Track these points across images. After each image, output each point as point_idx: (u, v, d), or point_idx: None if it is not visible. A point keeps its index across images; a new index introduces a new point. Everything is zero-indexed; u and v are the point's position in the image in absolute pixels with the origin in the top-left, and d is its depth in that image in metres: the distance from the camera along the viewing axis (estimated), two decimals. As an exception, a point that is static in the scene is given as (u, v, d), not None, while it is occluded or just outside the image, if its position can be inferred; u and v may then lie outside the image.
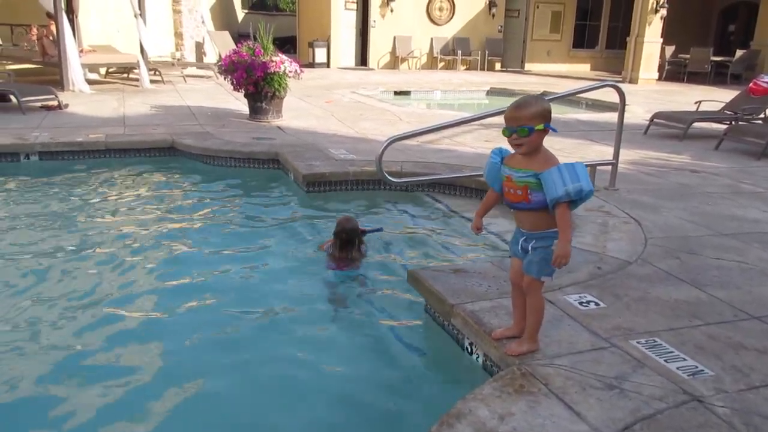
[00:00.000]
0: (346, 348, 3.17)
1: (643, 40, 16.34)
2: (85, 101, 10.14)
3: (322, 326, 3.43)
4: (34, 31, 12.16)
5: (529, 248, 2.51)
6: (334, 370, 2.97)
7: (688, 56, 17.84)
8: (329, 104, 10.95)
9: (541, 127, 2.42)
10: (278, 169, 6.52)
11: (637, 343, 2.75)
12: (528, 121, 2.41)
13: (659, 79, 17.17)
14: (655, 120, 8.72)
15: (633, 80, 16.52)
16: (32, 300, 3.66)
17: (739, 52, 17.70)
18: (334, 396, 2.77)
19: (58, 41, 11.05)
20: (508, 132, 2.45)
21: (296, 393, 2.80)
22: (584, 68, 21.94)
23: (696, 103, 9.17)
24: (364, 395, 2.76)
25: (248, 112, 8.94)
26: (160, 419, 2.62)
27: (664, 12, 16.15)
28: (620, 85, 5.70)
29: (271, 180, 6.30)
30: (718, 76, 17.52)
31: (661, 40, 16.70)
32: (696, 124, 8.48)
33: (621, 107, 5.38)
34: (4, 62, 12.40)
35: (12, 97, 9.11)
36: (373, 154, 5.30)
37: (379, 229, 4.62)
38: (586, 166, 5.62)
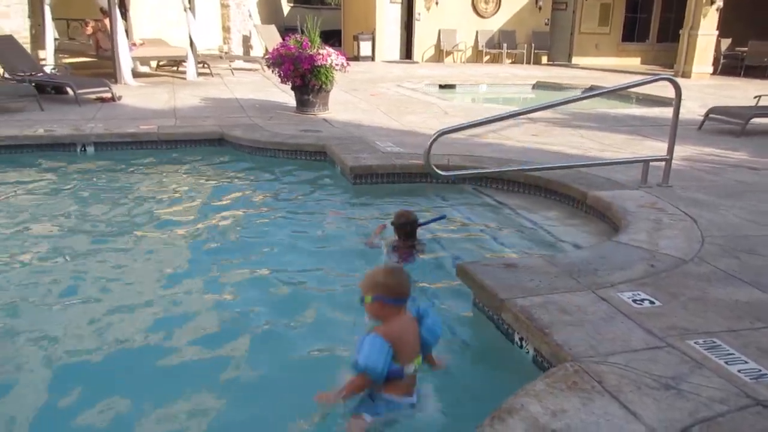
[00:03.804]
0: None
1: (698, 32, 15.81)
2: (137, 93, 10.42)
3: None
4: (90, 25, 12.53)
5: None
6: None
7: (745, 49, 17.18)
8: (375, 97, 10.96)
9: (368, 299, 2.39)
10: (325, 161, 6.58)
11: (695, 343, 2.67)
12: (362, 289, 2.43)
13: (714, 73, 16.61)
14: (710, 115, 8.43)
15: (686, 74, 16.01)
16: (88, 282, 3.80)
17: (800, 45, 16.98)
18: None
19: (111, 35, 11.38)
20: None
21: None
22: (634, 62, 21.38)
23: (755, 97, 8.82)
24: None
25: (295, 105, 9.04)
26: (206, 401, 2.69)
27: (720, 3, 15.59)
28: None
29: (318, 172, 6.35)
30: (778, 70, 16.85)
31: (717, 32, 16.14)
32: (755, 120, 8.16)
33: (677, 101, 5.22)
34: (61, 56, 12.82)
35: (69, 90, 9.43)
36: (420, 147, 5.28)
37: (442, 217, 4.60)
38: (640, 161, 5.49)
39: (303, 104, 8.84)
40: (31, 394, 2.74)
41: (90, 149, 6.95)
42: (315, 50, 8.38)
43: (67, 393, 2.73)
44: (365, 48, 19.38)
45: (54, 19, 12.02)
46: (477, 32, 20.36)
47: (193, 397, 2.72)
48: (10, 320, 3.35)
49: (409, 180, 5.83)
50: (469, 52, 20.58)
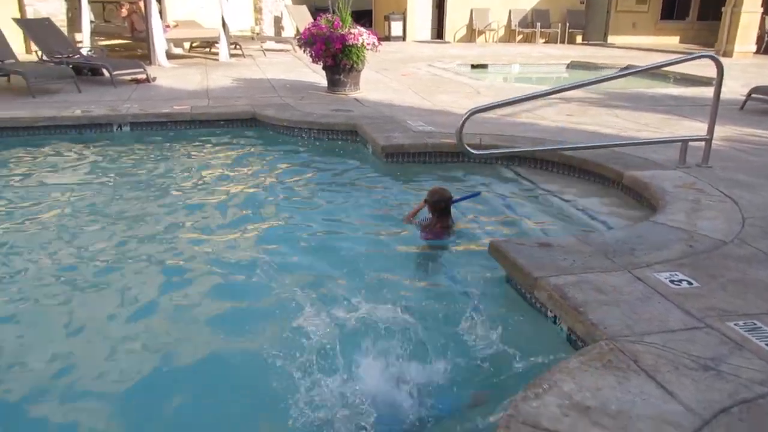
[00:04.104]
0: (427, 316, 3.15)
1: (741, 9, 15.26)
2: (170, 75, 10.53)
3: (404, 293, 3.43)
4: (124, 7, 12.68)
5: None
6: (415, 337, 2.96)
7: (791, 27, 16.57)
8: (406, 77, 10.89)
9: None
10: (357, 141, 6.57)
11: (735, 325, 2.61)
12: None
13: (757, 51, 16.05)
14: (752, 95, 8.15)
15: (727, 53, 15.50)
16: (121, 256, 3.91)
17: None
18: (414, 363, 2.77)
19: (146, 17, 11.49)
20: None
21: (377, 359, 2.81)
22: (673, 41, 20.75)
23: (800, 76, 8.50)
24: (446, 364, 2.75)
25: (326, 85, 9.03)
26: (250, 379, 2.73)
27: (765, -21, 15.03)
28: (714, 57, 5.34)
29: (350, 151, 6.37)
30: (825, 49, 16.19)
31: (761, 9, 15.55)
32: (800, 100, 7.87)
33: (718, 80, 5.05)
34: (97, 38, 13.02)
35: (105, 71, 9.58)
36: (452, 127, 5.24)
37: (477, 194, 4.55)
38: (678, 141, 5.34)
39: (334, 84, 8.83)
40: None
41: (126, 129, 7.06)
42: (346, 30, 8.34)
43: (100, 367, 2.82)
44: (396, 28, 19.23)
45: (90, 2, 12.19)
46: (510, 11, 20.00)
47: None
48: (50, 289, 3.48)
49: (440, 159, 5.80)
50: (501, 32, 20.25)
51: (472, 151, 4.59)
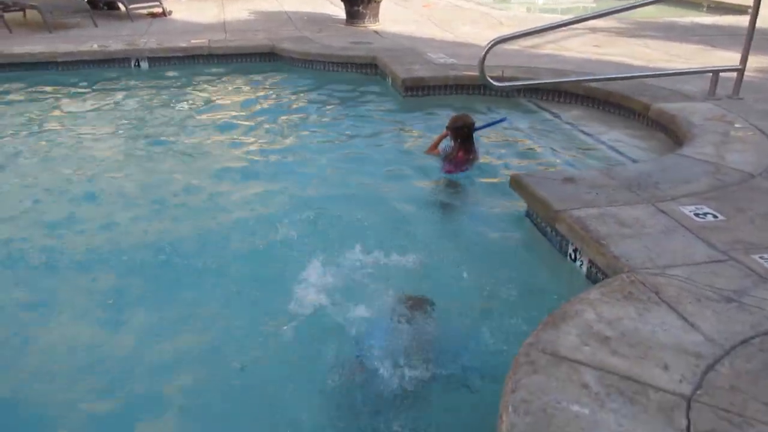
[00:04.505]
0: (445, 250, 3.16)
1: (783, -69, 14.36)
2: (187, 8, 10.33)
3: (422, 227, 3.44)
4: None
5: None
6: (432, 271, 2.98)
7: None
8: (427, 9, 10.57)
9: None
10: (376, 74, 6.45)
11: (761, 258, 2.57)
12: None
13: (797, -23, 15.20)
14: (790, 23, 7.77)
15: (765, -21, 14.70)
16: (141, 187, 4.01)
17: None
18: (431, 297, 2.78)
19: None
20: None
21: (399, 290, 2.83)
22: (708, -33, 19.72)
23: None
24: (466, 297, 2.78)
25: (345, 17, 8.81)
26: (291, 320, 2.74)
27: None
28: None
29: (369, 84, 6.26)
30: None
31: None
32: (841, 28, 7.47)
33: (755, 6, 4.80)
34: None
35: (121, 5, 9.43)
36: (474, 59, 5.09)
37: (502, 120, 4.44)
38: (708, 71, 5.14)
39: (353, 16, 8.61)
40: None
41: (144, 64, 7.00)
42: (365, -43, 8.06)
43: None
44: (417, -43, 18.52)
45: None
46: (536, -63, 19.10)
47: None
48: (70, 220, 3.57)
49: (462, 92, 5.69)
50: (526, -40, 19.41)
51: (494, 83, 4.48)
